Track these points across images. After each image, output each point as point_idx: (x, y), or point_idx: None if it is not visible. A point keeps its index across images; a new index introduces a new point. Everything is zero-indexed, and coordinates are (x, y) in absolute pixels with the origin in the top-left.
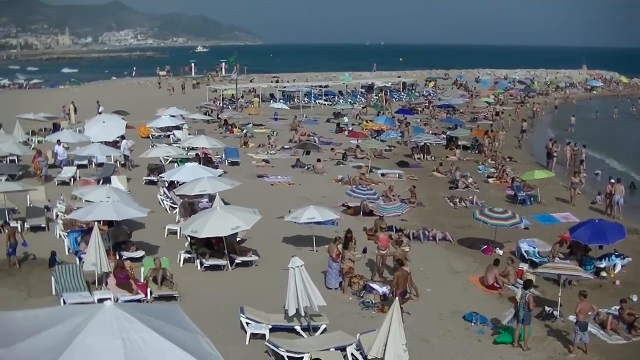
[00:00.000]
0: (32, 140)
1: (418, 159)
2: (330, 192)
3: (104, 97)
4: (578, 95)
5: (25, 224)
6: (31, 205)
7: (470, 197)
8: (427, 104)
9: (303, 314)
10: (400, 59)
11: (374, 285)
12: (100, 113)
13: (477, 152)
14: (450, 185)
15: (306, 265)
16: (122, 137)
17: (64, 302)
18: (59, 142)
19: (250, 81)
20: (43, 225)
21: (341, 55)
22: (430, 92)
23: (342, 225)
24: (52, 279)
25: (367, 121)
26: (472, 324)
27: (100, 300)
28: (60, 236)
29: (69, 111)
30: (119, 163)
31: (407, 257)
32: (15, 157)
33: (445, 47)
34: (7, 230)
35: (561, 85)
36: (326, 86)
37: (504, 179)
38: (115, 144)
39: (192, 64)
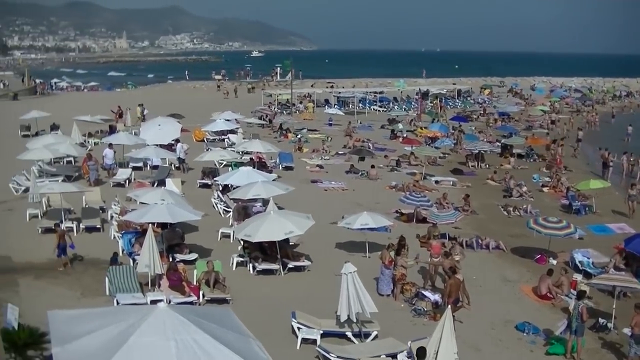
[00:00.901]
0: (88, 142)
1: (472, 166)
2: (383, 198)
3: (160, 100)
4: (635, 104)
5: (81, 224)
6: (86, 206)
7: (525, 206)
8: (482, 112)
9: (355, 320)
10: (456, 66)
11: (426, 293)
12: (144, 116)
13: (533, 160)
14: (504, 194)
15: (358, 271)
16: (177, 141)
17: (117, 303)
18: (110, 145)
19: (312, 86)
20: (98, 226)
21: (396, 62)
22: (485, 99)
23: (395, 232)
24: (106, 279)
25: (421, 128)
26: (525, 334)
27: (153, 302)
28: (114, 237)
29: (138, 113)
30: (174, 166)
31: (457, 266)
32: (72, 159)
33: (502, 54)
34: (57, 231)
35: (618, 94)
36: (381, 92)
37: (558, 188)
38: (170, 147)
39: (248, 69)
